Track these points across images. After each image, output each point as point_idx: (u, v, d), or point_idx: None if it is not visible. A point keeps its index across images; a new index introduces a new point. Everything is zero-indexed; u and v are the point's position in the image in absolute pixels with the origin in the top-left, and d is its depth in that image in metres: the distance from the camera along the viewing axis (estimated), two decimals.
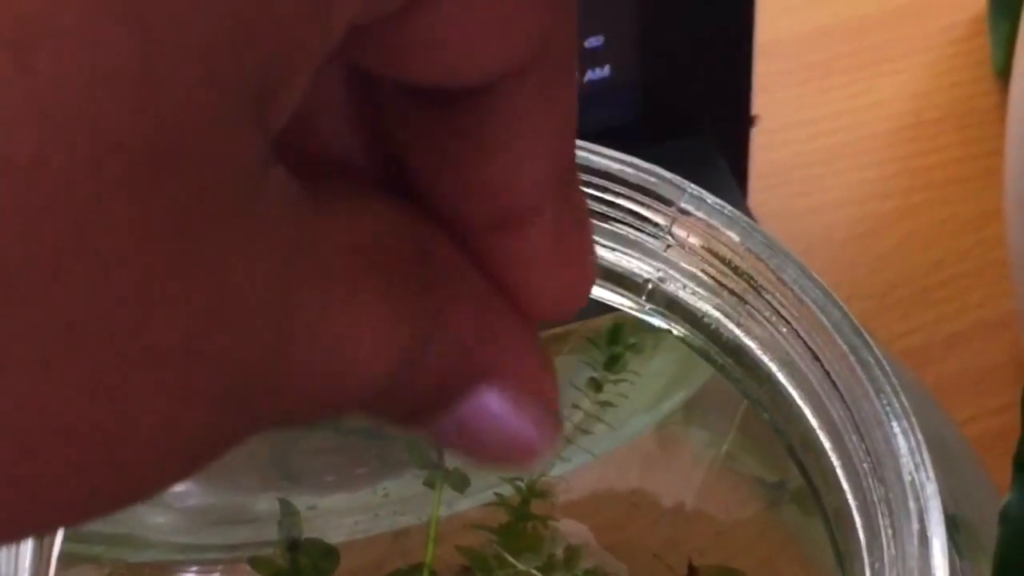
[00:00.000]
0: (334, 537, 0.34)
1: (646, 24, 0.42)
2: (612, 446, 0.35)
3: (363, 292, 0.15)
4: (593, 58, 0.42)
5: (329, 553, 0.33)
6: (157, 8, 0.12)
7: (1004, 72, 0.51)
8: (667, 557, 0.33)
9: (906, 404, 0.24)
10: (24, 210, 0.11)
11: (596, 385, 0.34)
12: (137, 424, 0.13)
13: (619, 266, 0.27)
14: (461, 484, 0.34)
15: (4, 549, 0.24)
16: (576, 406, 0.34)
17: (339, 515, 0.35)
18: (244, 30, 0.12)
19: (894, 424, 0.24)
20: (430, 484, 0.34)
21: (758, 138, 0.46)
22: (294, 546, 0.33)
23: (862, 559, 0.24)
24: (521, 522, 0.33)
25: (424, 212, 0.17)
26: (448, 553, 0.34)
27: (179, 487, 0.35)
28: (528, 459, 0.17)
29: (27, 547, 0.25)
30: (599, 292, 0.28)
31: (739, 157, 0.46)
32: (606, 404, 0.34)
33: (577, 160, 0.19)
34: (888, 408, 0.25)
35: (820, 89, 0.53)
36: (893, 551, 0.24)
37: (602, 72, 0.42)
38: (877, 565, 0.24)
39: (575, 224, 0.17)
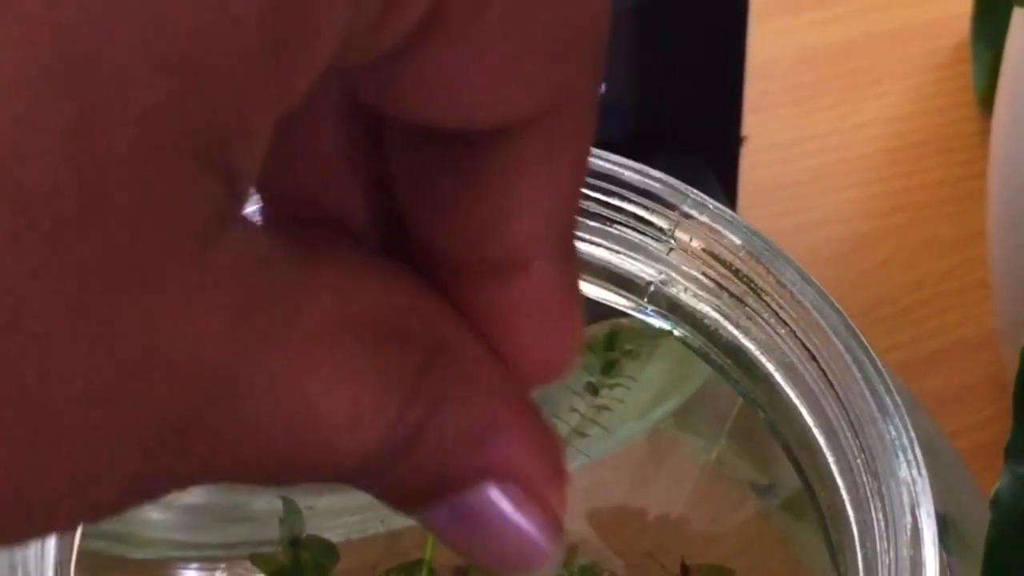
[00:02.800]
0: (331, 537, 0.34)
1: (642, 45, 0.43)
2: (607, 449, 0.35)
3: (346, 358, 0.14)
4: None
5: (329, 550, 0.34)
6: (94, 70, 0.12)
7: (986, 98, 0.52)
8: (660, 559, 0.34)
9: (899, 402, 0.25)
10: None
11: (593, 389, 0.35)
12: (47, 463, 0.13)
13: (622, 268, 0.28)
14: None
15: (32, 548, 0.24)
16: (573, 409, 0.35)
17: (336, 515, 0.36)
18: (187, 87, 0.12)
19: (887, 421, 0.25)
20: None
21: (746, 157, 0.47)
22: (295, 543, 0.34)
23: (855, 552, 0.25)
24: None
25: (431, 285, 0.16)
26: (444, 553, 0.34)
27: None
28: (530, 564, 0.16)
29: (51, 545, 0.25)
30: (601, 294, 0.28)
31: (729, 175, 0.47)
32: (602, 408, 0.35)
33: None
34: (882, 406, 0.25)
35: (807, 111, 0.54)
36: (885, 544, 0.24)
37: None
38: (869, 556, 0.24)
39: (563, 286, 0.17)
